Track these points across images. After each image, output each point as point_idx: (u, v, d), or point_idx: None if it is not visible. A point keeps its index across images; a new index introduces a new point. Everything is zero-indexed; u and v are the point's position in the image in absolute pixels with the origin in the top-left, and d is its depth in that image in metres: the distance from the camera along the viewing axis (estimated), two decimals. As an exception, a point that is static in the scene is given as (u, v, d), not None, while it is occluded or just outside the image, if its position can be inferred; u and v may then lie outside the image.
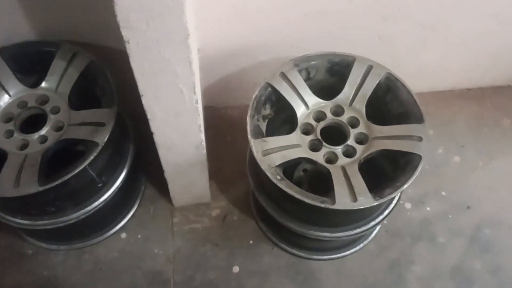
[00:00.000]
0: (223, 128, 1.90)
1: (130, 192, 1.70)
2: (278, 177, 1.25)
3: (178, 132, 1.26)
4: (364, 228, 1.42)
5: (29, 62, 1.43)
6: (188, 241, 1.66)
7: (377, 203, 1.21)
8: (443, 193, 1.77)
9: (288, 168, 1.63)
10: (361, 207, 1.20)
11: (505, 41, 1.74)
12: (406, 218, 1.72)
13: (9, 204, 1.41)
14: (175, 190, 1.60)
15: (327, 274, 1.62)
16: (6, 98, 1.41)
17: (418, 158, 1.27)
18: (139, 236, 1.68)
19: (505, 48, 1.77)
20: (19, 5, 1.36)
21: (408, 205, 1.75)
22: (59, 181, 1.23)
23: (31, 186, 1.22)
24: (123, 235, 1.68)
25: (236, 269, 1.62)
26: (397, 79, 1.39)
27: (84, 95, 1.44)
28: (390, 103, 1.41)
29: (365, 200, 1.21)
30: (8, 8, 1.36)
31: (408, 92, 1.37)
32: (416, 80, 1.84)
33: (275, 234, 1.66)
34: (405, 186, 1.23)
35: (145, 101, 1.12)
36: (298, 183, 1.69)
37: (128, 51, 0.96)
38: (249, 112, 1.33)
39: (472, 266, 1.63)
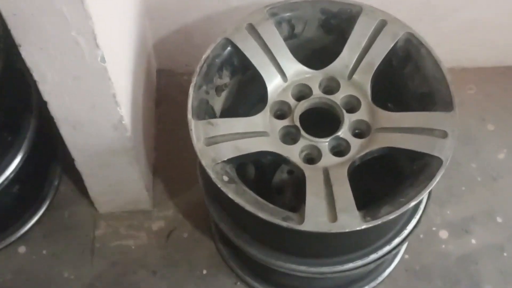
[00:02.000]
0: (182, 103, 1.90)
1: (35, 188, 1.77)
2: (225, 178, 1.24)
3: (84, 103, 1.29)
4: (359, 262, 1.41)
5: None
6: (114, 265, 1.70)
7: (365, 226, 1.19)
8: (499, 219, 1.76)
9: (266, 168, 1.64)
10: (341, 231, 1.19)
11: None
12: (439, 253, 1.72)
13: None
14: (95, 189, 1.66)
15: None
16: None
17: (438, 162, 1.24)
18: (44, 252, 1.73)
19: None
20: None
21: (443, 234, 1.75)
22: None
23: None
24: (22, 249, 1.73)
25: (180, 310, 1.64)
26: (421, 43, 1.38)
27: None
28: (410, 77, 1.41)
29: (349, 220, 1.20)
30: None
31: (436, 62, 1.36)
32: (470, 48, 1.88)
33: (239, 263, 1.67)
34: (412, 203, 1.21)
35: (26, 54, 1.14)
36: (280, 189, 1.70)
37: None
38: (194, 81, 1.34)
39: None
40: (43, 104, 1.35)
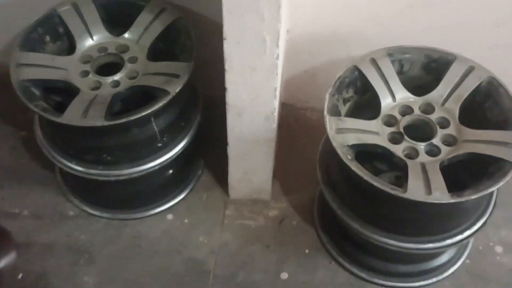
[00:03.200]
0: (298, 130, 2.11)
1: (186, 172, 1.94)
2: (349, 157, 1.42)
3: (252, 92, 1.47)
4: (437, 244, 1.52)
5: (118, 13, 1.76)
6: (237, 237, 1.85)
7: (453, 200, 1.33)
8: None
9: (376, 171, 1.75)
10: (435, 201, 1.33)
11: None
12: (495, 262, 1.79)
13: (67, 146, 1.69)
14: (234, 175, 1.80)
15: (387, 305, 1.72)
16: (89, 42, 1.74)
17: (510, 165, 1.39)
18: (186, 221, 1.89)
19: None
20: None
21: (499, 249, 1.82)
22: (123, 120, 1.49)
23: (97, 120, 1.49)
24: (170, 216, 1.90)
25: (284, 275, 1.77)
26: (500, 85, 1.53)
27: (160, 53, 1.74)
28: (489, 109, 1.55)
29: (441, 195, 1.34)
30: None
31: (511, 98, 1.51)
32: None
33: (335, 248, 1.80)
34: (489, 190, 1.35)
35: (227, 46, 1.35)
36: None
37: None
38: (330, 90, 1.54)
39: None
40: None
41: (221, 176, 1.92)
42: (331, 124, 1.47)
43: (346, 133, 1.48)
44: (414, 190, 1.36)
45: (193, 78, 1.73)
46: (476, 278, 1.76)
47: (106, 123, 1.48)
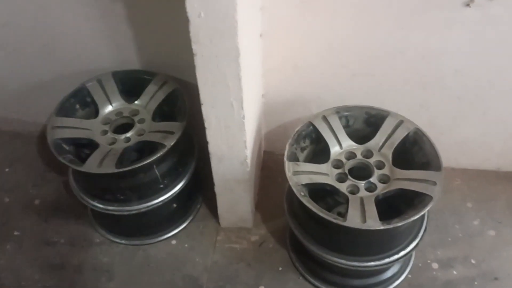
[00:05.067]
0: (277, 171, 2.10)
1: (187, 206, 1.94)
2: (302, 194, 1.43)
3: (227, 144, 1.49)
4: (378, 262, 1.50)
5: (131, 85, 1.81)
6: (225, 257, 1.84)
7: (383, 227, 1.33)
8: (473, 261, 1.78)
9: (329, 206, 1.75)
10: (369, 228, 1.33)
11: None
12: (431, 276, 1.75)
13: (91, 189, 1.72)
14: (222, 207, 1.80)
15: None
16: (109, 108, 1.79)
17: (429, 198, 1.38)
18: (186, 245, 1.89)
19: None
20: (132, 43, 1.78)
21: (435, 265, 1.78)
22: (129, 168, 1.52)
23: (109, 168, 1.52)
24: (174, 241, 1.90)
25: (262, 288, 1.75)
26: (423, 134, 1.54)
27: (165, 114, 1.78)
28: (416, 153, 1.55)
29: (373, 223, 1.34)
30: (126, 44, 1.79)
31: (432, 145, 1.51)
32: (459, 155, 1.98)
33: (302, 266, 1.77)
34: (412, 218, 1.34)
35: (204, 109, 1.39)
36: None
37: (195, 63, 1.26)
38: (289, 141, 1.56)
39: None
40: (199, 152, 1.54)
41: (215, 209, 1.91)
42: (289, 167, 1.49)
43: (301, 174, 1.49)
44: (352, 219, 1.36)
45: (190, 133, 1.78)
46: (416, 290, 1.72)
47: (116, 170, 1.51)
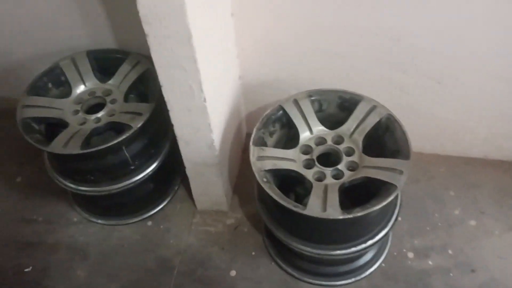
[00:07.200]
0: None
1: (163, 187, 1.93)
2: (264, 179, 1.39)
3: (192, 128, 1.47)
4: (344, 251, 1.47)
5: (105, 64, 1.79)
6: (200, 240, 1.83)
7: (342, 217, 1.29)
8: (450, 252, 1.73)
9: (300, 195, 1.71)
10: (328, 217, 1.29)
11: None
12: (406, 265, 1.71)
13: (63, 170, 1.72)
14: (195, 190, 1.79)
15: (314, 299, 1.66)
16: (81, 88, 1.78)
17: (394, 187, 1.33)
18: (161, 226, 1.88)
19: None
20: (107, 22, 1.75)
21: (410, 255, 1.73)
22: (94, 149, 1.51)
23: (74, 149, 1.51)
24: (149, 223, 1.90)
25: (233, 272, 1.74)
26: (396, 120, 1.48)
27: (140, 94, 1.75)
28: (387, 140, 1.49)
29: (333, 212, 1.30)
30: (99, 23, 1.76)
31: (403, 132, 1.45)
32: (445, 141, 1.91)
33: (275, 251, 1.75)
34: (374, 208, 1.30)
35: (164, 92, 1.36)
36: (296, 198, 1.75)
37: (149, 44, 1.22)
38: (257, 125, 1.52)
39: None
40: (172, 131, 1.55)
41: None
42: (253, 152, 1.46)
43: (265, 160, 1.45)
44: (313, 208, 1.32)
45: (164, 114, 1.74)
46: (388, 279, 1.68)
47: (80, 151, 1.50)
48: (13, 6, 1.80)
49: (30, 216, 1.95)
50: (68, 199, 1.98)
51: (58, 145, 1.53)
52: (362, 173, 1.42)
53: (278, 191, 1.37)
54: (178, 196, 1.98)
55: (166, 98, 1.38)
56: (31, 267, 1.80)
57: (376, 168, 1.42)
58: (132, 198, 1.87)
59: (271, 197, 1.41)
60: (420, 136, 1.85)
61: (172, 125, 1.50)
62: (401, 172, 1.36)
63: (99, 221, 1.90)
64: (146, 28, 1.18)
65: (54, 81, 1.76)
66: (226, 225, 1.87)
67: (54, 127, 1.72)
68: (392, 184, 1.34)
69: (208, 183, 1.73)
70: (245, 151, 2.08)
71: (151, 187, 1.87)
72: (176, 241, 1.84)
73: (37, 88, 1.71)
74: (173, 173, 1.96)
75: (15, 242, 1.87)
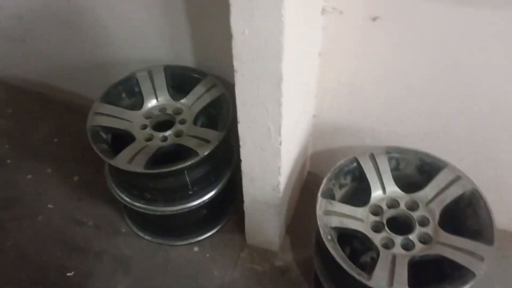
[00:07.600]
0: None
1: (216, 215, 1.88)
2: (329, 237, 1.30)
3: (261, 166, 1.40)
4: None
5: (180, 81, 1.76)
6: (245, 277, 1.75)
7: (411, 297, 1.18)
8: None
9: (357, 250, 1.63)
10: (393, 295, 1.18)
11: None
12: None
13: (121, 182, 1.70)
14: (249, 226, 1.72)
15: None
16: (153, 102, 1.75)
17: (472, 275, 1.21)
18: (208, 255, 1.82)
19: None
20: (189, 40, 1.72)
21: None
22: (157, 171, 1.47)
23: (137, 167, 1.48)
24: (196, 248, 1.84)
25: (272, 319, 1.65)
26: (481, 197, 1.36)
27: (210, 118, 1.72)
28: (468, 217, 1.37)
29: (400, 289, 1.19)
30: (181, 39, 1.73)
31: (488, 212, 1.32)
32: None
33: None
34: (446, 295, 1.18)
35: (240, 128, 1.31)
36: (361, 268, 1.68)
37: (235, 80, 1.17)
38: (328, 175, 1.43)
39: None
40: (237, 163, 1.50)
41: (244, 224, 1.83)
42: (321, 205, 1.37)
43: (332, 215, 1.36)
44: (378, 280, 1.22)
45: (231, 142, 1.70)
46: None
47: (144, 170, 1.47)
48: (96, 4, 1.79)
49: (81, 218, 1.95)
50: (120, 208, 1.96)
51: (123, 160, 1.51)
52: (436, 250, 1.30)
53: (341, 252, 1.28)
54: (228, 226, 1.91)
55: (240, 134, 1.33)
56: (73, 272, 1.78)
57: (453, 247, 1.29)
58: (183, 221, 1.82)
59: (332, 256, 1.32)
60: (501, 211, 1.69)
61: (239, 160, 1.43)
62: (481, 259, 1.23)
63: (147, 237, 1.87)
64: (236, 65, 1.12)
65: (128, 91, 1.74)
66: (274, 266, 1.78)
67: (120, 137, 1.70)
68: (470, 270, 1.21)
69: (263, 221, 1.66)
70: (304, 189, 2.00)
71: (203, 213, 1.81)
72: (220, 273, 1.77)
73: (111, 96, 1.70)
74: (227, 202, 1.90)
75: (63, 243, 1.87)
